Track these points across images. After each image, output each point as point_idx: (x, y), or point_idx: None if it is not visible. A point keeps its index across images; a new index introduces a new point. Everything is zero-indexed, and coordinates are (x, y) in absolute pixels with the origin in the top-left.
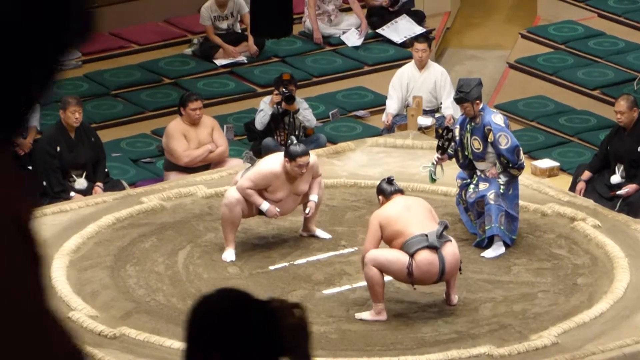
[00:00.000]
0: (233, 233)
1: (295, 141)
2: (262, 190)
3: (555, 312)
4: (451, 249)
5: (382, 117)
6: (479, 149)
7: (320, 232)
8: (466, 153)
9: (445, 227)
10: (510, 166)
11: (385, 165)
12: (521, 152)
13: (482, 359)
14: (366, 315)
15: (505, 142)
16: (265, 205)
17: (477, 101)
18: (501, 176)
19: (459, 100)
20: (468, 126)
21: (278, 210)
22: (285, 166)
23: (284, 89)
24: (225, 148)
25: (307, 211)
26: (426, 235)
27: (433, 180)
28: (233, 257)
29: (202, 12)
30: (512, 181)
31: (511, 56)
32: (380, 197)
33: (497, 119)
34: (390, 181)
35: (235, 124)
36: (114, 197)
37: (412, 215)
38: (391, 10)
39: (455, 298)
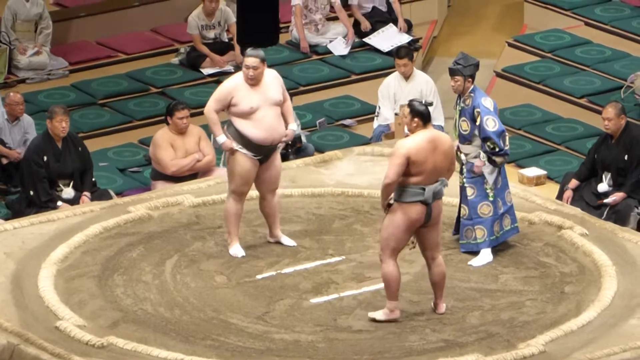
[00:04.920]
0: (237, 226)
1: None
2: (232, 106)
3: (542, 320)
4: (438, 203)
5: (374, 124)
6: (466, 130)
7: (285, 240)
8: (454, 134)
9: (443, 186)
10: (497, 151)
11: (372, 174)
12: (507, 138)
13: None
14: (379, 314)
15: (492, 125)
16: (221, 138)
17: (469, 79)
18: (485, 172)
19: (452, 71)
20: (458, 106)
21: (234, 147)
22: (244, 74)
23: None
24: (213, 157)
25: (284, 139)
26: (423, 190)
27: None
28: (243, 252)
29: (190, 21)
30: (498, 174)
31: (498, 64)
32: (416, 118)
33: (486, 102)
34: (427, 106)
35: None
36: (101, 207)
37: (430, 163)
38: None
39: (443, 306)
